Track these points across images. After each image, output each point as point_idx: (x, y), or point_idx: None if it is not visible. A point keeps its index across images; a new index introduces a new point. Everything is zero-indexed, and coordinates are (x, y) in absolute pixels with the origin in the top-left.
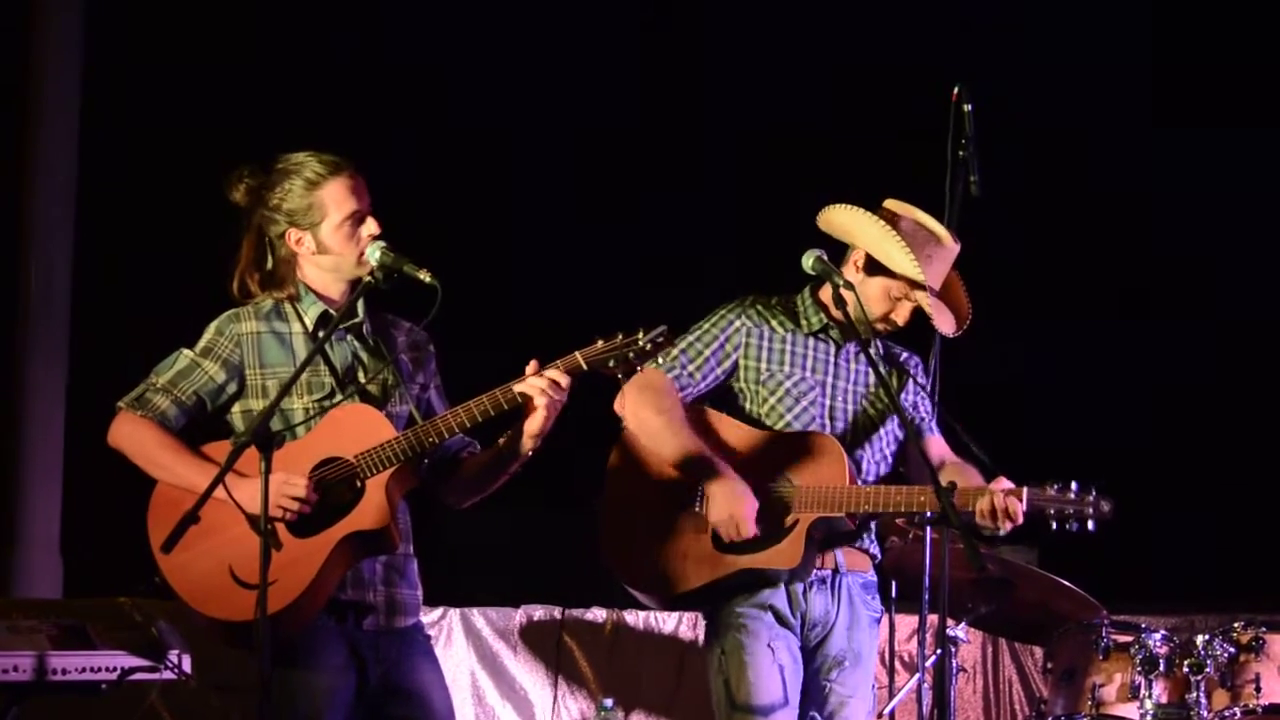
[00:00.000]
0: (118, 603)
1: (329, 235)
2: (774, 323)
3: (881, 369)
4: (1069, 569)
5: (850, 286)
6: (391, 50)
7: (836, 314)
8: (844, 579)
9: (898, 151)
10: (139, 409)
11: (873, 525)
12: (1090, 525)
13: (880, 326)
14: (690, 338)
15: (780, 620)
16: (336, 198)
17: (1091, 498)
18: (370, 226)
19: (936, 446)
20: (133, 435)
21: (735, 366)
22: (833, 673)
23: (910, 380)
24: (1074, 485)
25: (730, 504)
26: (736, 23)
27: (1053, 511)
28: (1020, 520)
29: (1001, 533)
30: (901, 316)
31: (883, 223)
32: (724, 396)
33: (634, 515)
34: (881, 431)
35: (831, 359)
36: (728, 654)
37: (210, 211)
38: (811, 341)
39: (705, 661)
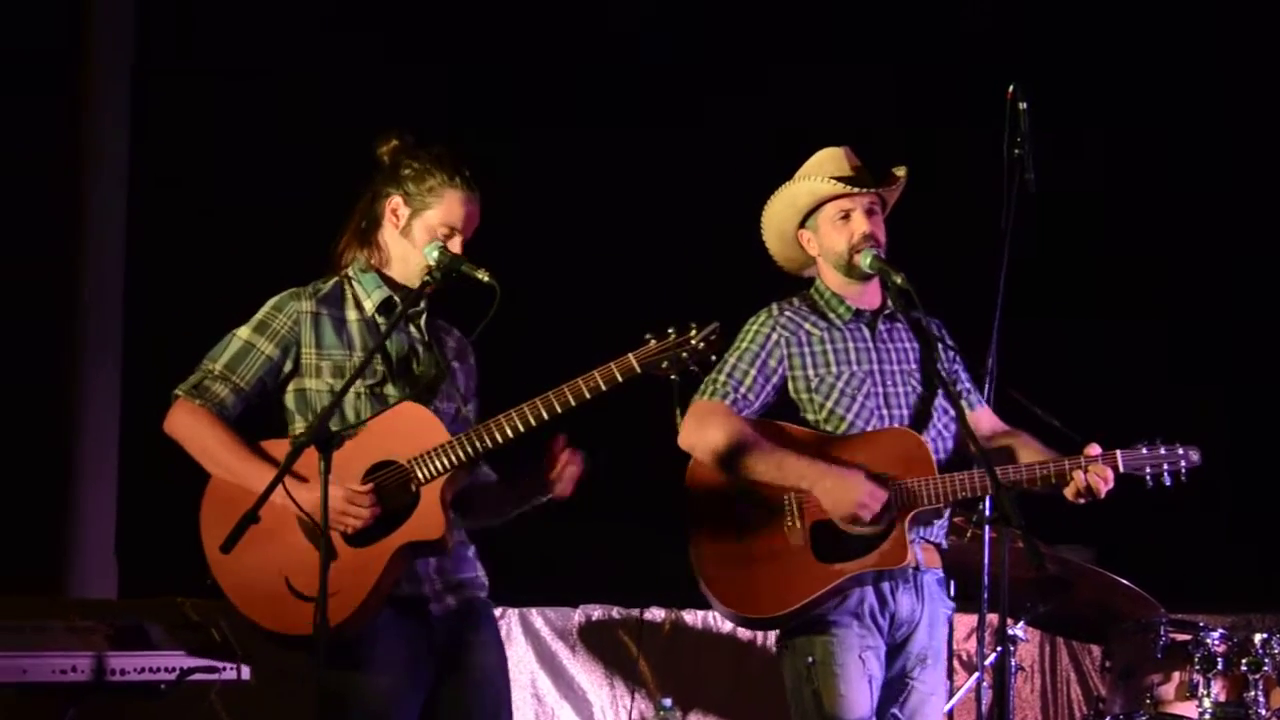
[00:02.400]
0: (176, 602)
1: (419, 226)
2: (807, 325)
3: (930, 334)
4: (1127, 568)
5: (907, 281)
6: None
7: (853, 292)
8: (923, 576)
9: (953, 149)
10: (196, 398)
11: (945, 515)
12: (1183, 477)
13: (864, 260)
14: (732, 359)
15: (873, 620)
16: (452, 205)
17: (1180, 450)
18: (454, 247)
19: (986, 419)
20: (191, 426)
21: (783, 380)
22: (915, 671)
23: (941, 345)
24: (1159, 441)
25: (850, 490)
26: (790, 19)
27: (1149, 469)
28: (1112, 484)
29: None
30: (860, 226)
31: (779, 193)
32: (776, 411)
33: (726, 545)
34: (935, 406)
35: (870, 344)
36: (818, 663)
37: (264, 210)
38: (847, 332)
39: (784, 668)
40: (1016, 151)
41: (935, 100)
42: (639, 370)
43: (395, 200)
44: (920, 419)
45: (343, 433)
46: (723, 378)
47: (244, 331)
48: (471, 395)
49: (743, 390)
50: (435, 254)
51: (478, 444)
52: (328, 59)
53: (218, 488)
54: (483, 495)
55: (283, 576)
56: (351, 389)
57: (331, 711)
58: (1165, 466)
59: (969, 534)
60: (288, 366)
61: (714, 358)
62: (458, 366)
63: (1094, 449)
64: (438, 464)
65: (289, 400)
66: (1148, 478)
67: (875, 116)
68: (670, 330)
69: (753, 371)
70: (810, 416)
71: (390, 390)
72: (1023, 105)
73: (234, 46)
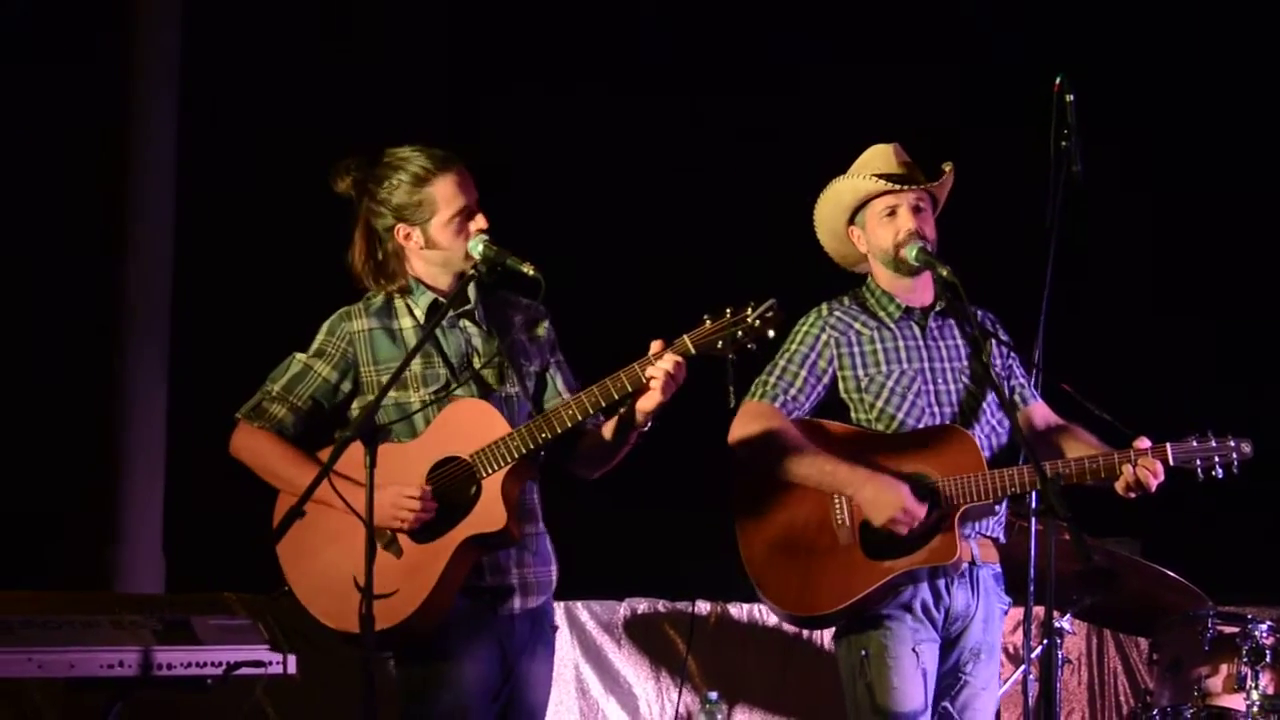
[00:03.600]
0: (223, 597)
1: (438, 231)
2: (857, 325)
3: (972, 330)
4: (1174, 560)
5: (954, 274)
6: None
7: (903, 289)
8: (979, 571)
9: (999, 142)
10: (256, 420)
11: (1003, 510)
12: (1234, 469)
13: (909, 253)
14: (781, 361)
15: (926, 615)
16: (445, 194)
17: (1232, 442)
18: (479, 221)
19: (1040, 413)
20: (253, 447)
21: (833, 380)
22: (968, 665)
23: (995, 341)
24: (1210, 433)
25: (890, 498)
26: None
27: (1199, 462)
28: (1162, 478)
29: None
30: (906, 223)
31: (826, 191)
32: (826, 409)
33: (775, 543)
34: (987, 401)
35: (921, 341)
36: (871, 656)
37: (309, 210)
38: (897, 330)
39: (839, 661)
40: (1064, 144)
41: (985, 94)
42: (694, 352)
43: (401, 228)
44: (972, 415)
45: (389, 427)
46: (773, 379)
47: (302, 355)
48: (552, 353)
49: (793, 392)
50: (480, 248)
51: (538, 436)
52: (373, 53)
53: (287, 500)
54: (592, 441)
55: (351, 576)
56: (417, 399)
57: (415, 703)
58: (1216, 459)
59: (1016, 527)
60: (346, 386)
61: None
62: (527, 341)
63: (1143, 442)
64: (498, 458)
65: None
66: (1199, 470)
67: (927, 110)
68: (727, 310)
69: (803, 373)
70: (861, 416)
71: (455, 391)
72: (1069, 97)
73: (284, 35)
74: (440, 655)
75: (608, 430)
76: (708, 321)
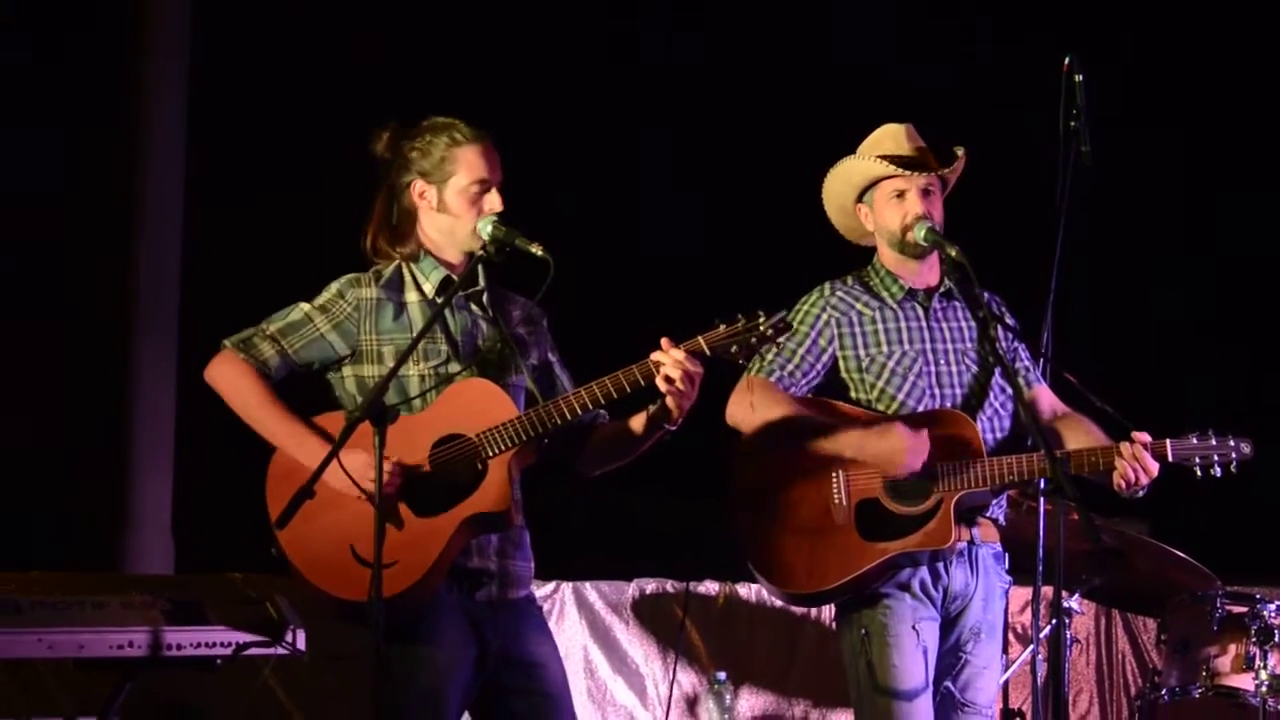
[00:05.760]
0: (231, 578)
1: (452, 195)
2: (859, 305)
3: (982, 313)
4: (1182, 540)
5: (962, 255)
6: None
7: (908, 270)
8: (979, 550)
9: (1008, 124)
10: (242, 351)
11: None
12: (1233, 468)
13: (918, 232)
14: (781, 339)
15: (925, 594)
16: (470, 161)
17: (1232, 441)
18: (493, 200)
19: (1045, 399)
20: (231, 378)
21: (833, 360)
22: (969, 644)
23: (1000, 324)
24: (1210, 431)
25: (894, 445)
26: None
27: (1198, 460)
28: (1155, 475)
29: (1140, 493)
30: (914, 207)
31: (835, 168)
32: (827, 390)
33: (771, 521)
34: (991, 385)
35: (924, 322)
36: (871, 635)
37: (321, 188)
38: (900, 311)
39: (841, 640)
40: (1072, 124)
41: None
42: (708, 353)
43: (419, 185)
44: (975, 398)
45: (398, 407)
46: (771, 355)
47: (306, 305)
48: (548, 359)
49: (789, 369)
50: (489, 228)
51: (545, 421)
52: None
53: (280, 462)
54: (603, 438)
55: (348, 544)
56: (416, 370)
57: (392, 682)
58: (1215, 458)
59: (1024, 507)
60: (344, 351)
61: (756, 366)
62: (526, 335)
63: (1143, 437)
64: (505, 439)
65: (350, 385)
66: (1197, 468)
67: (936, 92)
68: (739, 316)
69: (801, 351)
70: (861, 396)
71: (455, 369)
72: (1079, 77)
73: (294, 30)
74: (420, 637)
75: (636, 424)
76: (721, 326)
